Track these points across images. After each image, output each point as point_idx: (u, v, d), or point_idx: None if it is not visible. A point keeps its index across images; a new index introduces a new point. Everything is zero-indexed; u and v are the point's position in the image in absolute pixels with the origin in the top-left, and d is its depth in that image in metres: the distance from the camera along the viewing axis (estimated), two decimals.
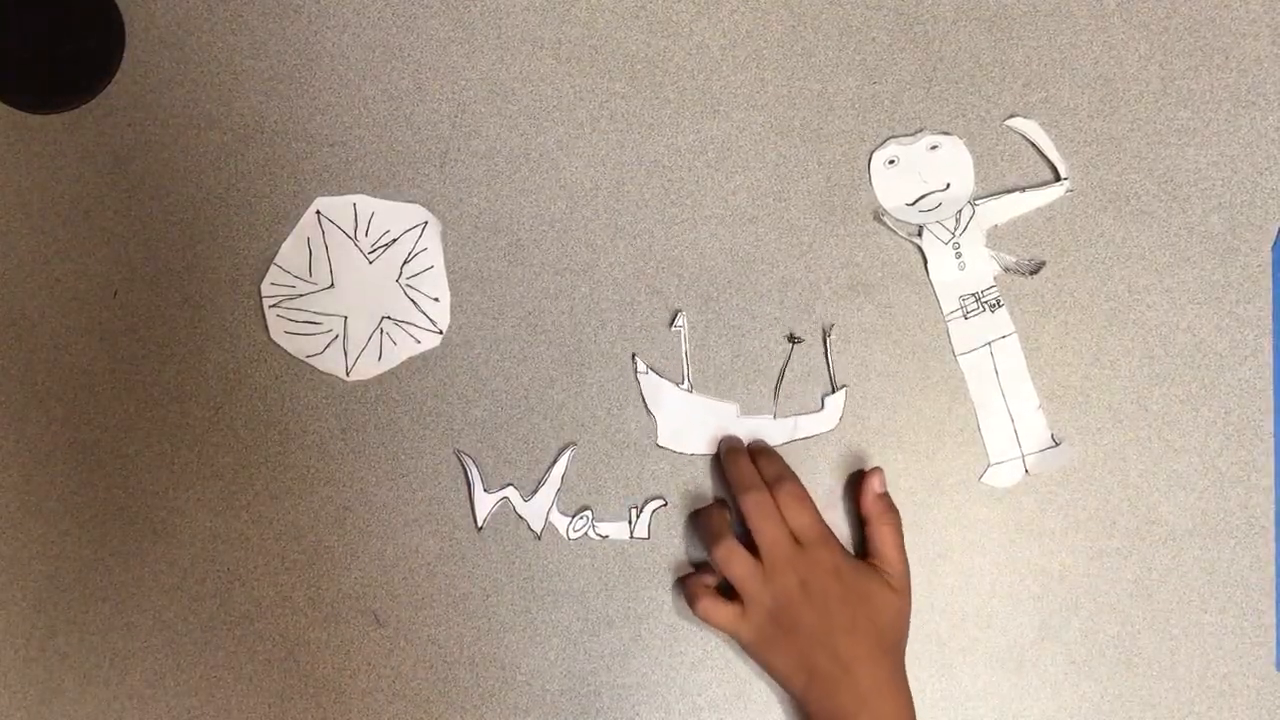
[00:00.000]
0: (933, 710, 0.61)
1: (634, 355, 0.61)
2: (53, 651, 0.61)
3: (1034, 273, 0.62)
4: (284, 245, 0.62)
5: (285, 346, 0.61)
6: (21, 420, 0.61)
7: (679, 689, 0.61)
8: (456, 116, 0.62)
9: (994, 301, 0.62)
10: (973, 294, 0.62)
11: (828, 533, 0.58)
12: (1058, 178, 0.63)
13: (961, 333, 0.62)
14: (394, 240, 0.62)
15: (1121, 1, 0.64)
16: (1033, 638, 0.62)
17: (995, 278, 0.62)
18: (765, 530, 0.57)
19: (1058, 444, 0.62)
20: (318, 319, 0.61)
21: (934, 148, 0.63)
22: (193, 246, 0.62)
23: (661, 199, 0.62)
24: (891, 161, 0.63)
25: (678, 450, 0.61)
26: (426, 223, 0.62)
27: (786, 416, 0.62)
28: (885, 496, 0.60)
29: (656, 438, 0.61)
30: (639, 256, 0.62)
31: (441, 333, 0.62)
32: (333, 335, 0.61)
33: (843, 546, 0.58)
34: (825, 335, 0.62)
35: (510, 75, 0.63)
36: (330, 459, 0.61)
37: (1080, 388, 0.62)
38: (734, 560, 0.57)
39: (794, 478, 0.59)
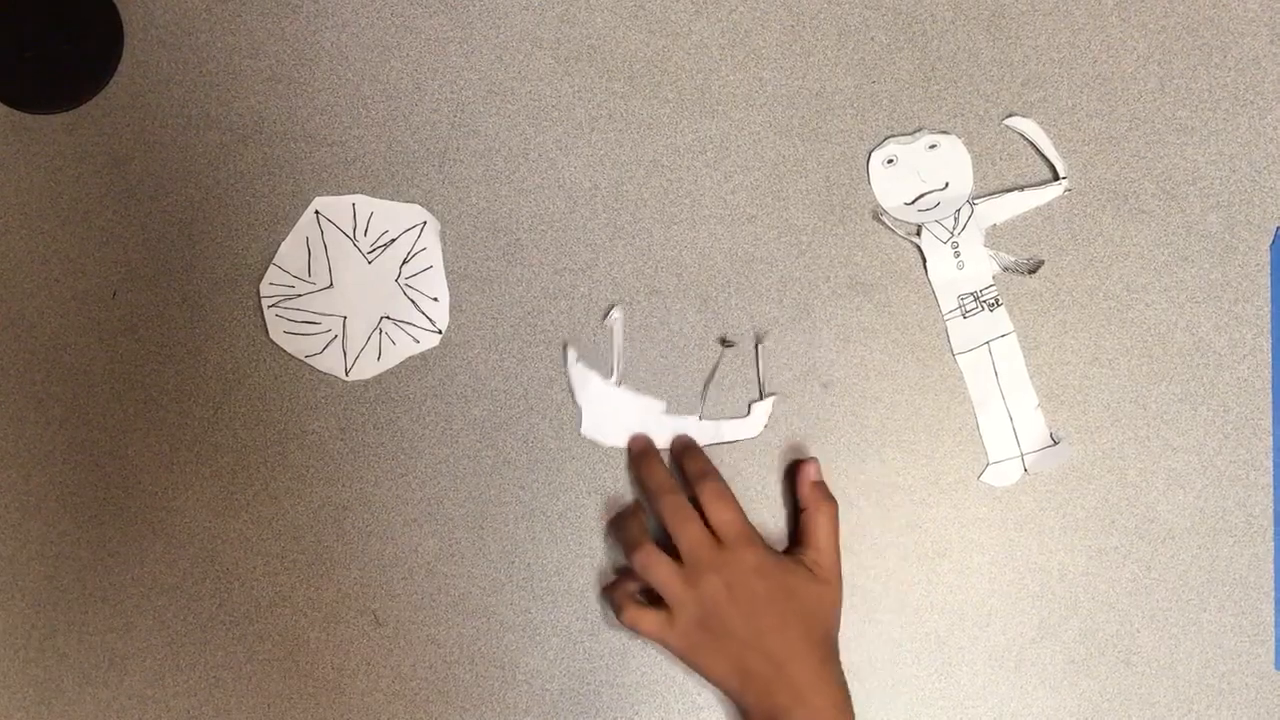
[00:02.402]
0: (932, 709, 0.61)
1: (565, 344, 0.61)
2: (52, 651, 0.61)
3: (1033, 272, 0.63)
4: (283, 245, 0.62)
5: (284, 346, 0.61)
6: (21, 420, 0.61)
7: (679, 689, 0.61)
8: (456, 116, 0.62)
9: (993, 300, 0.62)
10: (971, 293, 0.62)
11: (750, 530, 0.57)
12: (1056, 177, 0.63)
13: (960, 332, 0.62)
14: (393, 240, 0.62)
15: (1120, 1, 0.64)
16: (1031, 636, 0.62)
17: (994, 277, 0.62)
18: (684, 533, 0.56)
19: (1056, 443, 0.62)
20: (317, 319, 0.62)
21: (933, 147, 0.63)
22: (192, 246, 0.62)
23: (661, 199, 0.63)
24: (890, 161, 0.63)
25: (600, 442, 0.61)
26: (425, 223, 0.62)
27: (712, 419, 0.62)
28: (822, 484, 0.60)
29: (580, 427, 0.61)
30: (638, 256, 0.62)
31: (441, 333, 0.62)
32: (332, 335, 0.61)
33: (765, 543, 0.58)
34: (757, 342, 0.61)
35: (510, 75, 0.63)
36: (330, 459, 0.61)
37: (1079, 386, 0.62)
38: (655, 567, 0.56)
39: (716, 474, 0.59)
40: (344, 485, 0.61)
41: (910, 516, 0.61)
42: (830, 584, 0.58)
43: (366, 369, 0.62)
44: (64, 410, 0.61)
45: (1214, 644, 0.62)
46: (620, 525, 0.60)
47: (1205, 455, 0.62)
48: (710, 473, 0.59)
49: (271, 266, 0.62)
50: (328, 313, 0.62)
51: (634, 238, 0.62)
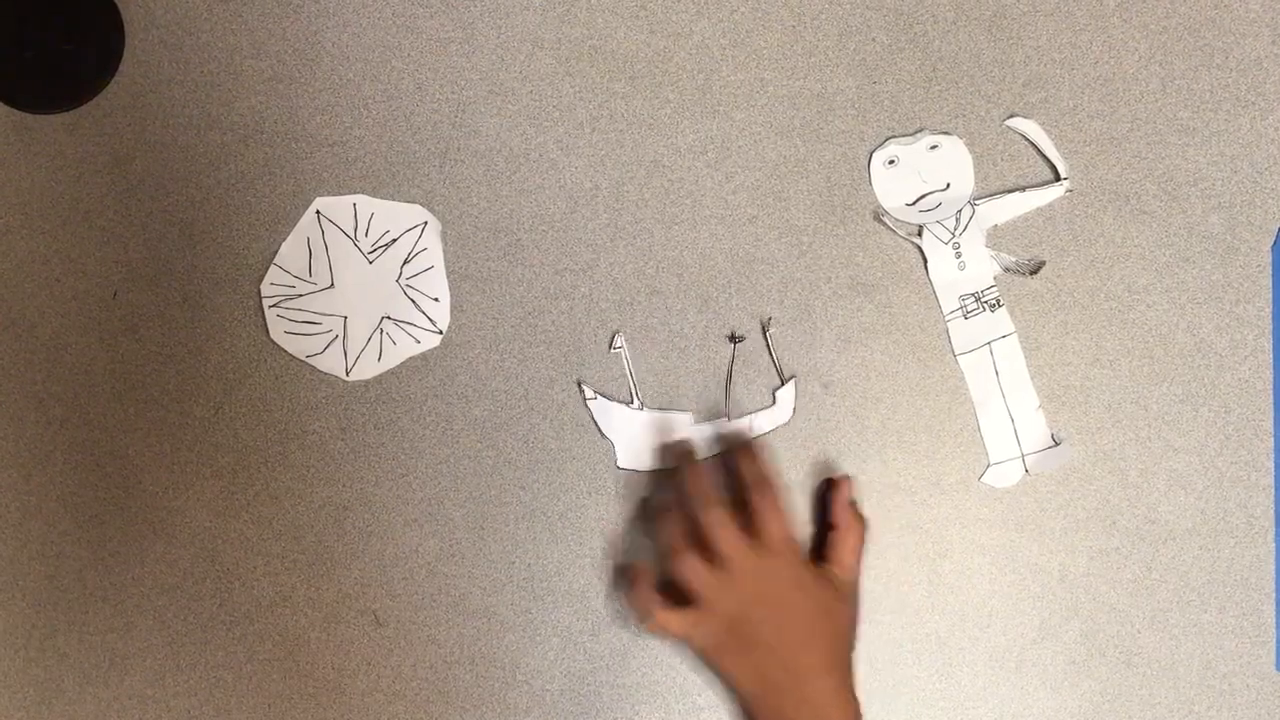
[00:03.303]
0: (933, 709, 0.61)
1: (579, 382, 0.61)
2: (53, 651, 0.61)
3: (1034, 272, 0.62)
4: (284, 245, 0.62)
5: (285, 346, 0.61)
6: (21, 420, 0.61)
7: (679, 689, 0.61)
8: (457, 116, 0.62)
9: (994, 301, 0.62)
10: (973, 294, 0.62)
11: (794, 544, 0.58)
12: (1057, 178, 0.63)
13: (961, 332, 0.62)
14: (394, 240, 0.62)
15: (1121, 1, 0.64)
16: (1032, 637, 0.62)
17: (995, 277, 0.62)
18: (725, 541, 0.56)
19: (1057, 444, 0.62)
20: (317, 319, 0.61)
21: (934, 147, 0.63)
22: (193, 246, 0.62)
23: (661, 199, 0.62)
24: (891, 161, 0.63)
25: (639, 469, 0.61)
26: (426, 223, 0.62)
27: (740, 417, 0.62)
28: (855, 505, 0.60)
29: (615, 461, 0.61)
30: (639, 256, 0.62)
31: (441, 333, 0.62)
32: (333, 335, 0.61)
33: (805, 559, 0.58)
34: (764, 329, 0.61)
35: (510, 75, 0.63)
36: (330, 459, 0.61)
37: (1080, 387, 0.62)
38: (693, 570, 0.56)
39: (773, 483, 0.59)
40: (344, 485, 0.61)
41: (911, 517, 0.61)
42: (851, 603, 0.58)
43: (367, 369, 0.62)
44: (64, 410, 0.61)
45: (1214, 645, 0.62)
46: (658, 528, 0.59)
47: (1206, 456, 0.62)
48: (767, 481, 0.58)
49: (272, 266, 0.62)
50: (328, 313, 0.61)
51: (635, 238, 0.62)
